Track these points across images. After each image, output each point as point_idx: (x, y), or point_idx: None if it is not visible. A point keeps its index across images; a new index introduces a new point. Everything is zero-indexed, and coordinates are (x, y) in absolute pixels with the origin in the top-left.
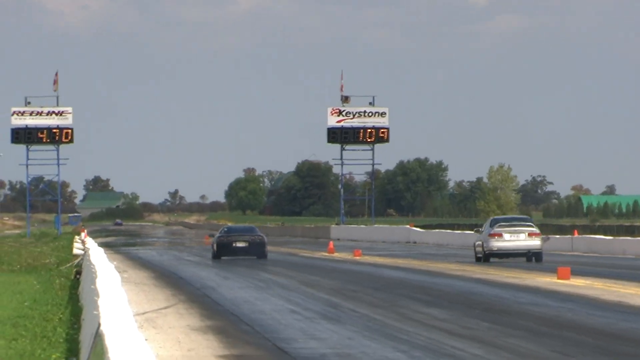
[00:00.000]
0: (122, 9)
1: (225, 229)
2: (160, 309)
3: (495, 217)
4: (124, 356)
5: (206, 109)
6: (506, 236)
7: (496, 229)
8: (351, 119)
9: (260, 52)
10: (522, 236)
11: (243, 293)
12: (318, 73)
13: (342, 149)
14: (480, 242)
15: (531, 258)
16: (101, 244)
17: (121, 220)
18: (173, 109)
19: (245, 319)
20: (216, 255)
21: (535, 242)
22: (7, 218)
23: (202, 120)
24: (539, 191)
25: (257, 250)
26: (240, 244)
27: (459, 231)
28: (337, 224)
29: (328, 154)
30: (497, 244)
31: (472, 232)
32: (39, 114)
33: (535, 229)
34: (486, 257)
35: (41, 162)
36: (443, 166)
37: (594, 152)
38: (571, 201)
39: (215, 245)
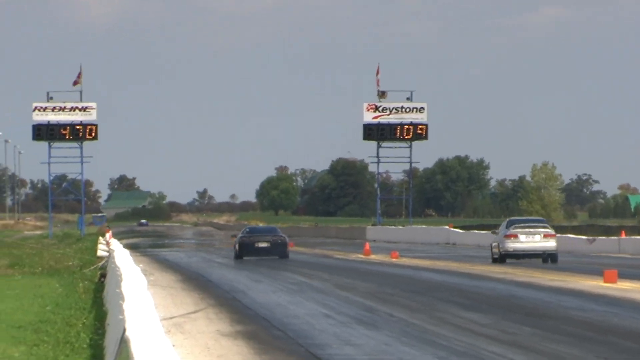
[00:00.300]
0: None
1: (248, 230)
2: (188, 314)
3: (512, 218)
4: None
5: (237, 105)
6: (522, 237)
7: (512, 230)
8: (388, 115)
9: (293, 45)
10: (537, 237)
11: (275, 297)
12: (353, 67)
13: (379, 146)
14: (496, 243)
15: (547, 259)
16: (127, 246)
17: (146, 220)
18: (202, 105)
19: (278, 324)
20: (238, 256)
21: (550, 244)
22: (29, 218)
23: (233, 116)
24: (585, 190)
25: (278, 250)
26: (262, 244)
27: None
28: (373, 225)
29: (364, 151)
30: (512, 245)
31: (490, 232)
32: (62, 109)
33: (550, 230)
34: (502, 257)
35: (64, 160)
36: (484, 164)
37: None
38: (618, 201)
39: (237, 246)
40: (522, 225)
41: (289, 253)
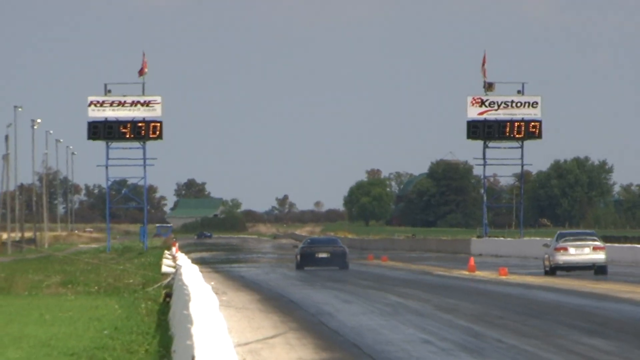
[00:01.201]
0: None
1: (309, 241)
2: (266, 339)
3: (562, 231)
4: None
5: (322, 100)
6: (571, 250)
7: (561, 243)
8: (496, 110)
9: (386, 29)
10: (587, 250)
11: (366, 320)
12: (456, 55)
13: (485, 146)
14: (547, 256)
15: (597, 271)
16: (196, 261)
17: (211, 232)
18: (282, 100)
19: (369, 351)
20: (299, 266)
21: (600, 256)
22: (89, 229)
23: (317, 113)
24: None
25: (338, 261)
26: (322, 255)
27: (627, 245)
28: (479, 237)
29: (468, 152)
30: (562, 257)
31: (542, 245)
32: (122, 104)
33: (599, 243)
34: (552, 270)
35: (124, 163)
36: (607, 167)
37: None
38: None
39: (298, 256)
40: (572, 238)
41: (349, 264)
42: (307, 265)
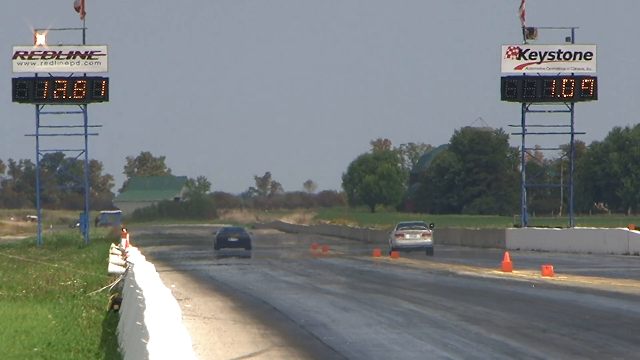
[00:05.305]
0: None
1: (223, 229)
2: (242, 358)
3: (401, 222)
4: None
5: (314, 50)
6: (407, 236)
7: (399, 231)
8: (538, 63)
9: None
10: (418, 236)
11: (371, 333)
12: None
13: (524, 110)
14: (390, 240)
15: (428, 252)
16: (152, 257)
17: (118, 213)
18: (262, 49)
19: None
20: (216, 246)
21: (427, 241)
22: (13, 218)
23: (307, 66)
24: None
25: (244, 244)
26: (233, 239)
27: None
28: (516, 226)
29: (502, 117)
30: (400, 241)
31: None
32: (56, 55)
33: (427, 231)
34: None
35: (59, 131)
36: None
37: None
38: None
39: (215, 240)
40: (407, 227)
41: (252, 246)
42: (222, 247)
